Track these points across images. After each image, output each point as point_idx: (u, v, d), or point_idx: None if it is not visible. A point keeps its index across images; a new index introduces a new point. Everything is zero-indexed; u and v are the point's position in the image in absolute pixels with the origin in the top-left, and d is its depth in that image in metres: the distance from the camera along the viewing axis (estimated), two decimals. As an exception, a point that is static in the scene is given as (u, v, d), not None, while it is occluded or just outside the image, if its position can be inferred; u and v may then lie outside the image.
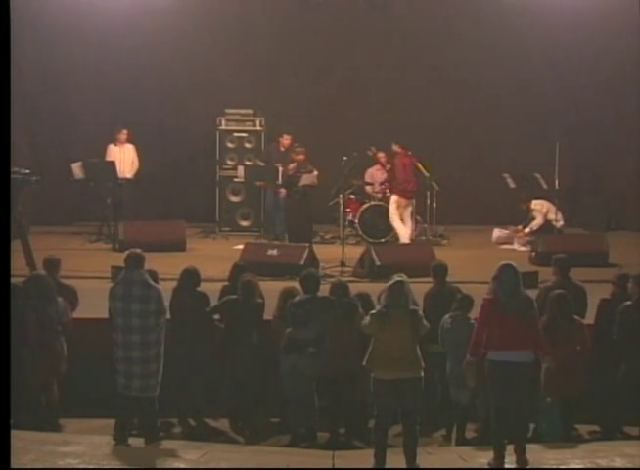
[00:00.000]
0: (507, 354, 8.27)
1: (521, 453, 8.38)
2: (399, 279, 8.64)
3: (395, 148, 15.54)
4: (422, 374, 8.46)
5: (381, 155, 16.04)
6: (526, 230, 15.86)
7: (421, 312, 8.66)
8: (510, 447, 8.44)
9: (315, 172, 15.34)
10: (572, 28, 16.67)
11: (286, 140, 15.91)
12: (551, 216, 15.74)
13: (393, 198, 15.42)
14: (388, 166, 15.89)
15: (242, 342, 9.93)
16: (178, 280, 10.27)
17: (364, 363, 8.60)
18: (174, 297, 10.04)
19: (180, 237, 15.28)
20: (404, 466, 8.38)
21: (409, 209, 15.50)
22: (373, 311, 8.71)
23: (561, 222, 15.86)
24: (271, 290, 10.71)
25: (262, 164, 15.97)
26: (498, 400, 8.40)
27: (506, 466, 8.48)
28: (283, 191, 15.67)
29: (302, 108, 17.13)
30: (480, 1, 17.13)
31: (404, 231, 15.27)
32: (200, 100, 16.98)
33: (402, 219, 15.37)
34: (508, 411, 8.36)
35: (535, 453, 8.82)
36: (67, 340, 9.69)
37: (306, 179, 15.21)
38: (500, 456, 8.40)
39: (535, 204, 15.90)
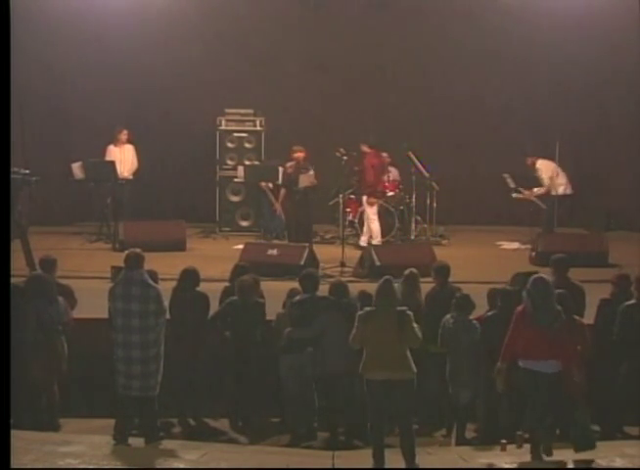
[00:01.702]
0: (533, 364, 8.51)
1: (537, 449, 8.57)
2: (387, 278, 8.66)
3: (364, 148, 15.43)
4: (413, 376, 8.44)
5: (384, 155, 16.02)
6: (535, 190, 15.65)
7: (410, 314, 8.56)
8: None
9: (311, 171, 15.29)
10: (574, 30, 16.65)
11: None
12: (558, 181, 15.55)
13: (363, 198, 15.41)
14: (356, 168, 15.76)
15: (244, 342, 9.94)
16: (178, 280, 10.27)
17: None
18: (174, 297, 10.04)
19: (180, 237, 15.28)
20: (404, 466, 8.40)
21: (374, 208, 15.44)
22: (360, 312, 8.69)
23: (567, 189, 15.63)
24: (271, 290, 10.72)
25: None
26: (528, 406, 8.63)
27: (506, 466, 8.51)
28: (270, 185, 15.67)
29: (302, 108, 17.13)
30: (480, 2, 17.12)
31: (378, 232, 15.28)
32: (200, 100, 16.97)
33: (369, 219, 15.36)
34: (536, 415, 8.57)
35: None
36: (67, 340, 9.69)
37: (304, 180, 15.17)
38: (537, 455, 8.54)
39: (541, 164, 15.65)
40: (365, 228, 15.48)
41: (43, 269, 10.26)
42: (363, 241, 15.33)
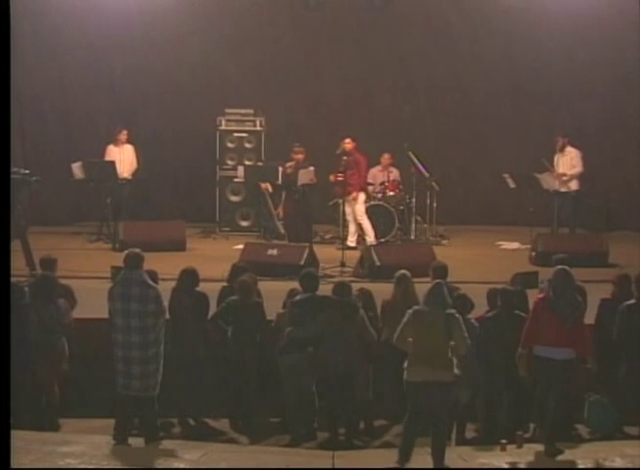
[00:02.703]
0: (549, 351, 8.75)
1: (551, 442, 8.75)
2: (438, 281, 8.78)
3: (349, 144, 15.03)
4: (451, 378, 8.43)
5: (386, 156, 16.00)
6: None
7: (459, 317, 8.57)
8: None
9: (311, 168, 15.23)
10: (576, 30, 16.67)
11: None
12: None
13: (358, 196, 15.26)
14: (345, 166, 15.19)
15: (244, 342, 9.94)
16: (177, 280, 10.26)
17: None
18: (174, 297, 10.04)
19: (180, 237, 15.27)
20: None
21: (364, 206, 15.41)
22: (409, 310, 8.69)
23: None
24: (271, 290, 10.71)
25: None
26: (540, 392, 8.90)
27: (506, 466, 8.51)
28: (268, 186, 15.66)
29: (302, 107, 17.13)
30: (482, 2, 17.12)
31: (371, 230, 15.24)
32: (200, 100, 16.98)
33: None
34: (548, 402, 8.82)
35: (536, 453, 8.84)
36: (67, 340, 9.69)
37: (304, 177, 15.10)
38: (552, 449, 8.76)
39: (572, 149, 15.45)
40: (353, 228, 15.36)
41: (43, 269, 10.26)
42: (352, 241, 15.21)
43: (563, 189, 15.54)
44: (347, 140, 15.19)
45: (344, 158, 14.88)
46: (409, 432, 8.53)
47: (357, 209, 15.32)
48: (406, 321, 8.59)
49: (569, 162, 15.51)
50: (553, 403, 8.79)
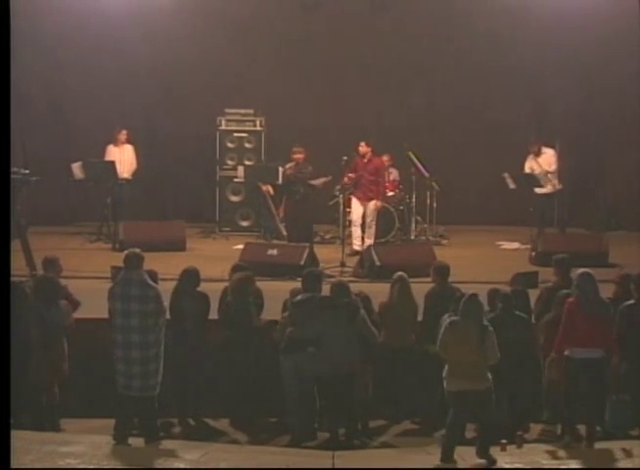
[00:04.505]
0: (586, 352, 9.09)
1: (590, 438, 9.10)
2: (473, 293, 8.89)
3: (366, 148, 14.98)
4: (486, 386, 8.64)
5: (385, 157, 15.98)
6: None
7: (492, 330, 8.76)
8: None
9: (330, 177, 15.18)
10: (576, 31, 16.64)
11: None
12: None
13: (374, 202, 15.10)
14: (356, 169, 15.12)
15: (242, 342, 9.94)
16: (178, 280, 10.26)
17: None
18: (174, 297, 10.04)
19: (180, 237, 15.27)
20: (403, 466, 8.41)
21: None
22: (447, 320, 8.89)
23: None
24: (271, 290, 10.71)
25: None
26: (571, 391, 9.23)
27: (506, 466, 8.52)
28: (269, 189, 15.66)
29: (302, 107, 17.13)
30: (480, 2, 17.12)
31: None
32: (200, 100, 16.98)
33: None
34: (579, 401, 9.23)
35: (536, 453, 8.84)
36: (68, 340, 9.68)
37: (318, 181, 15.10)
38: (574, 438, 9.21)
39: (547, 150, 15.53)
40: (358, 232, 15.05)
41: (46, 270, 10.25)
42: (358, 245, 15.00)
43: (547, 189, 15.55)
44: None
45: (364, 160, 14.91)
46: (452, 433, 8.76)
47: (371, 213, 15.06)
48: (443, 331, 8.81)
49: (546, 160, 15.56)
50: (593, 402, 9.14)
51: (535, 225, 15.46)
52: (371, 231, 15.07)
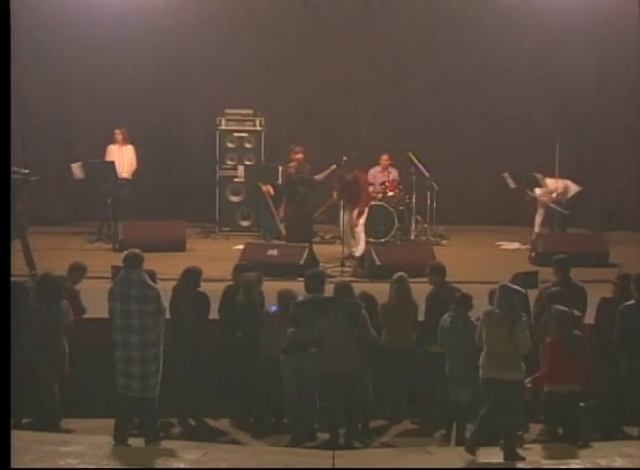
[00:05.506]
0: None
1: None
2: (504, 283, 9.00)
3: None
4: (518, 377, 8.76)
5: (385, 157, 15.96)
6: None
7: (524, 319, 8.89)
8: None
9: (334, 167, 14.92)
10: (573, 31, 16.65)
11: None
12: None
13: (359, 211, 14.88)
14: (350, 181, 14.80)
15: (246, 341, 9.95)
16: (179, 280, 10.27)
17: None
18: (175, 297, 10.04)
19: (180, 237, 15.27)
20: (403, 466, 8.41)
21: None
22: (484, 311, 9.05)
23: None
24: (271, 290, 10.70)
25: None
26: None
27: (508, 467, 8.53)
28: (270, 189, 15.65)
29: (302, 108, 17.13)
30: (480, 3, 17.11)
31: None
32: (200, 100, 16.98)
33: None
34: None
35: (536, 453, 8.84)
36: (68, 340, 9.69)
37: (323, 175, 15.01)
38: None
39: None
40: (353, 239, 14.84)
41: (71, 274, 10.38)
42: (356, 250, 14.84)
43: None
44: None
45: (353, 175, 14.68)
46: (483, 423, 8.84)
47: (359, 221, 14.75)
48: (481, 323, 8.98)
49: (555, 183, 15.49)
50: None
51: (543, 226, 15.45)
52: (361, 237, 14.89)
